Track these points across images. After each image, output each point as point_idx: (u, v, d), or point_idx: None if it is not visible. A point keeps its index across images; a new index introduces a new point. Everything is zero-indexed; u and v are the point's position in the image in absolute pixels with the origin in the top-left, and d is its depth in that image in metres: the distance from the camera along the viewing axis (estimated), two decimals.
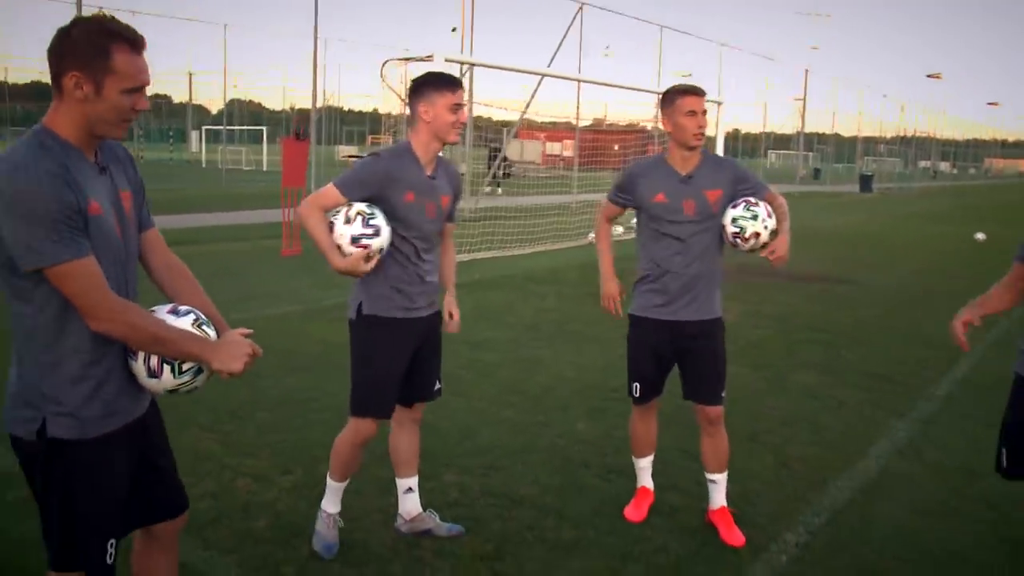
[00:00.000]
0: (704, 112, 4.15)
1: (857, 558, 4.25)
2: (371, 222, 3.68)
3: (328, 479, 4.15)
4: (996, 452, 3.64)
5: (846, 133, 75.73)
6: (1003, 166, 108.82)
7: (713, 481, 4.52)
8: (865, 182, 50.80)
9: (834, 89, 53.27)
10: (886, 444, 5.96)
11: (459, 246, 14.21)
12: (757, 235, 4.11)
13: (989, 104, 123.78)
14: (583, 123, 33.07)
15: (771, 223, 4.14)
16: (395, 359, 3.97)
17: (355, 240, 3.65)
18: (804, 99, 47.84)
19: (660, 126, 23.72)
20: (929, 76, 67.17)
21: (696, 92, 4.17)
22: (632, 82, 20.17)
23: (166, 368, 2.53)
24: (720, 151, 19.89)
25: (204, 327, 2.58)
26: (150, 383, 2.57)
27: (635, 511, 4.59)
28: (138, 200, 2.68)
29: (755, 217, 4.11)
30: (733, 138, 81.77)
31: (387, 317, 3.92)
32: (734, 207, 4.18)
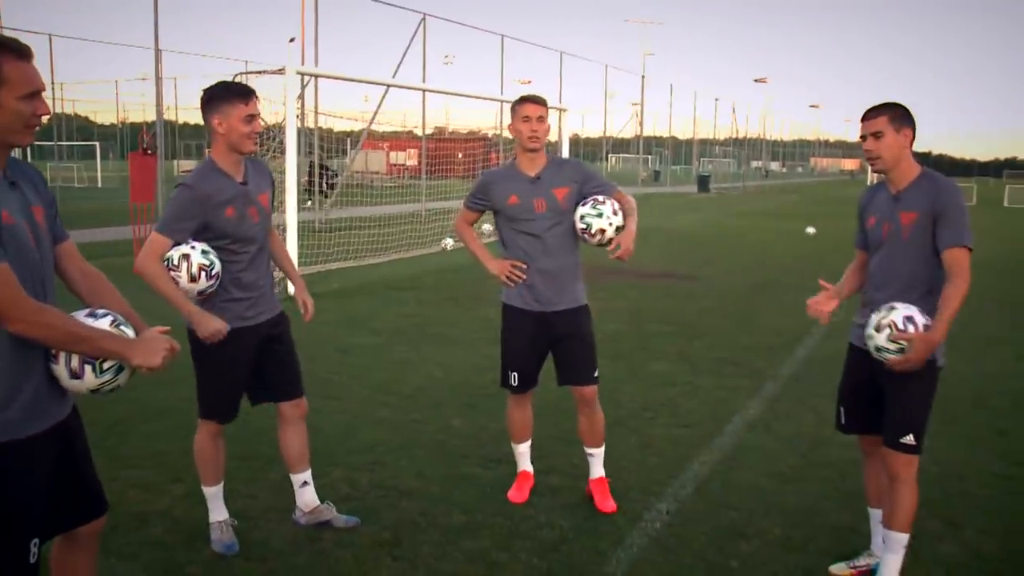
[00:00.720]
0: (540, 118, 4.49)
1: (723, 519, 4.71)
2: (213, 272, 3.92)
3: (203, 488, 4.31)
4: (835, 412, 4.16)
5: (682, 136, 78.69)
6: (827, 164, 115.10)
7: (591, 455, 4.91)
8: (703, 183, 52.99)
9: (669, 93, 55.32)
10: (739, 421, 6.50)
11: (315, 257, 14.25)
12: (603, 231, 4.46)
13: (812, 106, 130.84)
14: (427, 132, 33.35)
15: (617, 220, 4.47)
16: (238, 368, 4.14)
17: (201, 293, 3.91)
18: (641, 104, 49.60)
19: (503, 133, 24.24)
20: (757, 80, 70.64)
21: (531, 100, 4.53)
22: (475, 90, 20.58)
23: (87, 368, 2.64)
24: (565, 155, 20.54)
25: (122, 327, 2.72)
26: (72, 384, 2.67)
27: (518, 493, 4.90)
28: (50, 214, 2.80)
29: (600, 215, 4.45)
30: (575, 143, 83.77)
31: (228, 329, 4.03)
32: (583, 204, 4.52)
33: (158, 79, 15.56)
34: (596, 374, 4.77)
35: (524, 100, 4.55)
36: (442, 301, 11.45)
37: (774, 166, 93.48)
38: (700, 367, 8.17)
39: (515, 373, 4.76)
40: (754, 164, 78.72)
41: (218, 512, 4.31)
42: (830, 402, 7.03)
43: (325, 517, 4.46)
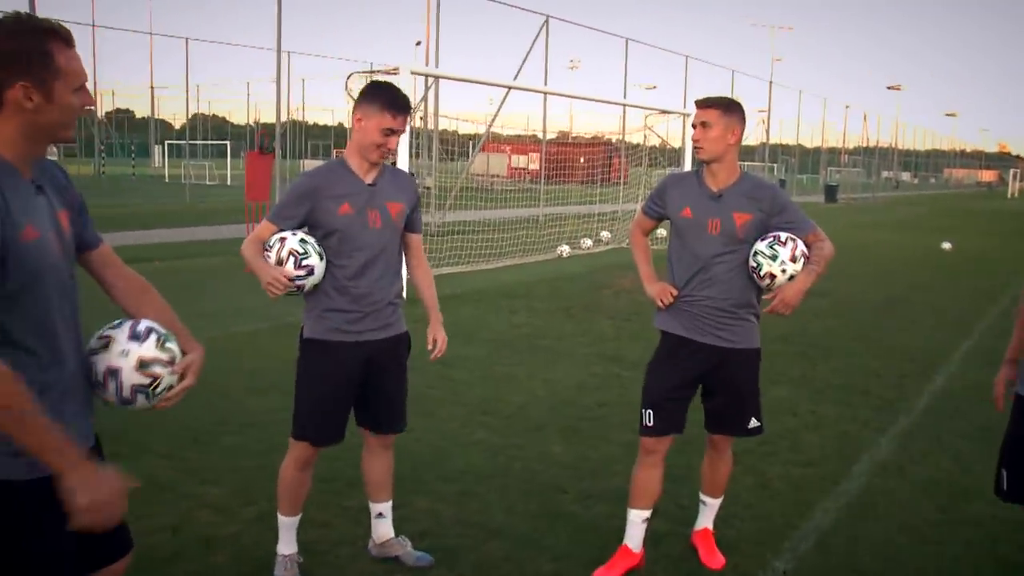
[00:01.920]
0: (703, 124, 3.90)
1: None
2: (304, 262, 3.61)
3: (279, 516, 3.94)
4: (995, 473, 3.49)
5: (810, 144, 76.39)
6: (962, 176, 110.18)
7: (705, 503, 4.36)
8: (830, 192, 51.13)
9: (798, 100, 53.57)
10: (868, 461, 5.82)
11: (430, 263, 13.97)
12: (772, 276, 3.86)
13: (947, 115, 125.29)
14: (548, 136, 32.99)
15: (792, 268, 3.84)
16: (334, 385, 3.78)
17: (291, 281, 3.62)
18: (768, 110, 48.11)
19: (626, 138, 23.55)
20: (890, 88, 67.80)
21: (697, 103, 3.97)
22: (597, 94, 20.07)
23: (140, 396, 2.35)
24: (687, 162, 19.83)
25: (168, 344, 2.39)
26: (124, 407, 2.39)
27: (608, 573, 4.13)
28: (77, 219, 2.46)
29: (775, 257, 3.84)
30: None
31: (324, 340, 3.76)
32: (762, 240, 3.92)
33: (279, 79, 15.55)
34: (752, 425, 4.13)
35: (697, 104, 3.99)
36: (554, 311, 11.01)
37: (905, 176, 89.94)
38: (824, 394, 7.48)
39: (650, 411, 4.02)
40: (885, 175, 75.81)
41: (287, 544, 3.94)
42: (972, 445, 6.47)
43: (395, 552, 4.05)
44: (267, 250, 3.62)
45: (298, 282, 3.60)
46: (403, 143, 11.00)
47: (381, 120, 3.61)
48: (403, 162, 11.02)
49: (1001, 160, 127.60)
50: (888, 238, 24.94)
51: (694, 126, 3.93)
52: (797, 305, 3.80)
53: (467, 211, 21.47)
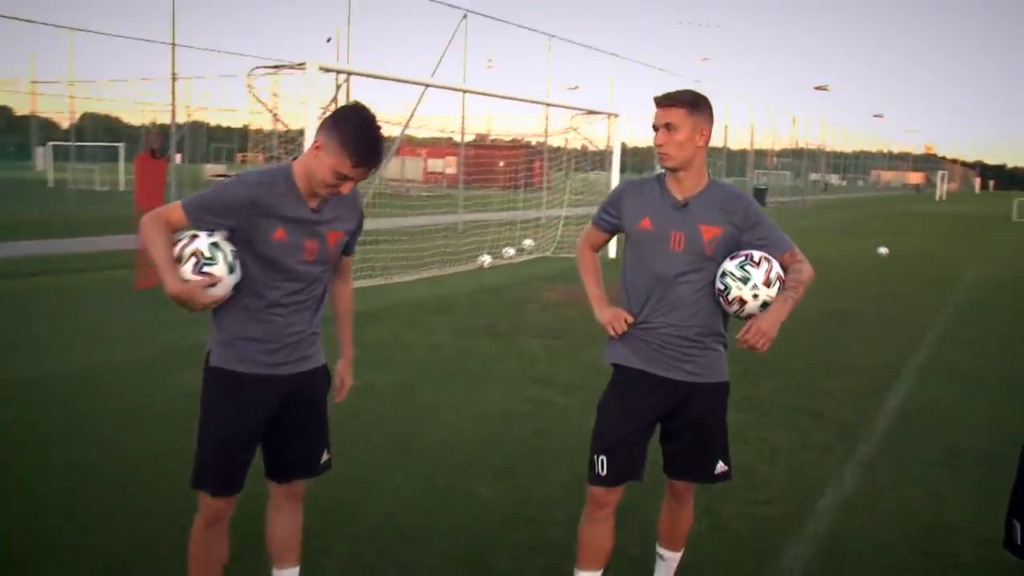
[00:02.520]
0: (668, 126, 3.53)
1: None
2: (207, 269, 3.14)
3: None
4: (1005, 525, 3.14)
5: (736, 146, 77.37)
6: (890, 178, 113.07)
7: (663, 557, 4.00)
8: (759, 196, 51.63)
9: (724, 101, 54.12)
10: (832, 496, 5.52)
11: None
12: (741, 301, 3.52)
13: (875, 116, 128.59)
14: (466, 139, 32.67)
15: (765, 293, 3.51)
16: (244, 424, 3.36)
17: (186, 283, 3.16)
18: None
19: (549, 141, 23.43)
20: (817, 88, 69.26)
21: (657, 101, 3.60)
22: (518, 94, 19.75)
23: None
24: (616, 166, 19.65)
25: None
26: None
27: None
28: None
29: (745, 280, 3.51)
30: (623, 152, 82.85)
31: (238, 372, 3.33)
32: (732, 258, 3.57)
33: (173, 76, 14.85)
34: (718, 470, 3.77)
35: (656, 101, 3.60)
36: (477, 329, 10.62)
37: (834, 179, 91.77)
38: (774, 418, 7.21)
39: (603, 457, 3.64)
40: (813, 177, 77.19)
41: None
42: (941, 471, 6.17)
43: None
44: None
45: (196, 282, 3.13)
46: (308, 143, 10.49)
47: (339, 163, 3.13)
48: None
49: (928, 162, 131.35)
50: (823, 244, 25.14)
51: (655, 128, 3.55)
52: (774, 337, 3.44)
53: (381, 219, 20.96)
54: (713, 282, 3.59)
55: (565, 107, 21.27)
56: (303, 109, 10.99)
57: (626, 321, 3.66)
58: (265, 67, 11.06)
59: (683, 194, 3.60)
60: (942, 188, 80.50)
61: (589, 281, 3.89)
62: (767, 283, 3.50)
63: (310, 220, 3.29)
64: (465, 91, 21.87)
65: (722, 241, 3.57)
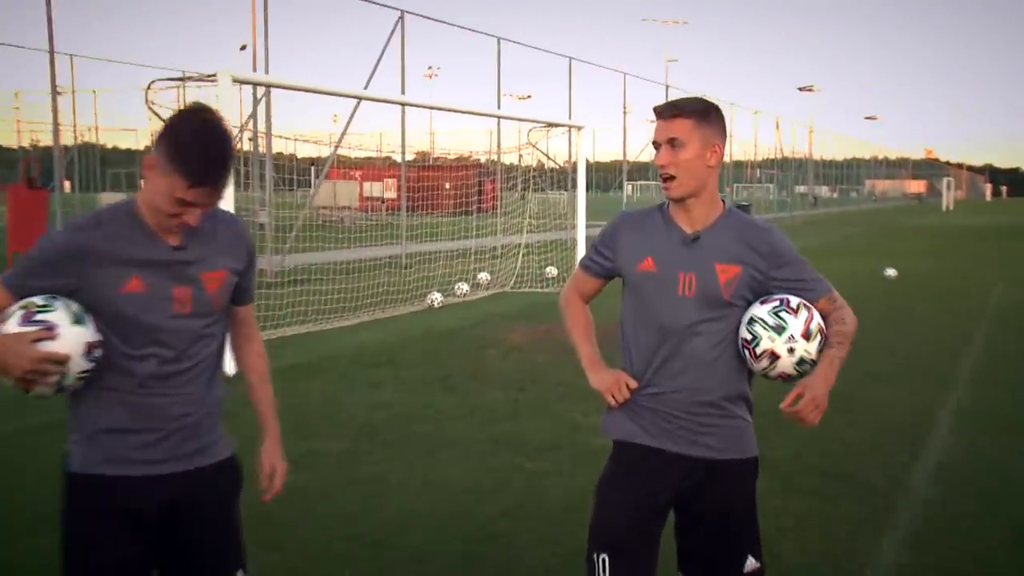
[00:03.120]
0: (671, 141, 3.32)
1: None
2: (38, 317, 2.78)
3: None
4: None
5: None
6: (888, 187, 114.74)
7: None
8: None
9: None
10: None
11: (262, 320, 13.10)
12: (774, 356, 3.30)
13: (868, 119, 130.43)
14: (407, 158, 32.47)
15: (804, 347, 3.31)
16: (119, 550, 2.97)
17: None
18: None
19: (495, 158, 23.20)
20: (802, 89, 70.11)
21: (659, 111, 3.39)
22: (465, 104, 19.57)
23: None
24: (581, 184, 19.49)
25: None
26: None
27: None
28: None
29: (781, 329, 3.31)
30: (595, 169, 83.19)
31: (103, 476, 2.96)
32: (762, 303, 3.38)
33: (53, 88, 14.39)
34: (749, 568, 3.49)
35: (655, 111, 3.40)
36: (429, 382, 10.30)
37: (823, 191, 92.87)
38: (793, 481, 6.91)
39: (604, 556, 3.39)
40: (799, 189, 78.06)
41: None
42: (1004, 550, 5.86)
43: None
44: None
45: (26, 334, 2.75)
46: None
47: (172, 184, 2.79)
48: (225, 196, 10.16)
49: (930, 168, 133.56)
50: (820, 266, 24.71)
51: (656, 145, 3.32)
52: (826, 409, 3.23)
53: (312, 253, 20.69)
54: (736, 332, 3.38)
55: (519, 119, 21.16)
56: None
57: (628, 386, 3.44)
58: (169, 79, 10.71)
59: (693, 226, 3.39)
60: (948, 197, 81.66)
61: (579, 339, 3.67)
62: (806, 335, 3.32)
63: (173, 261, 2.94)
64: (404, 104, 21.68)
65: (743, 283, 3.37)
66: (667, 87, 49.54)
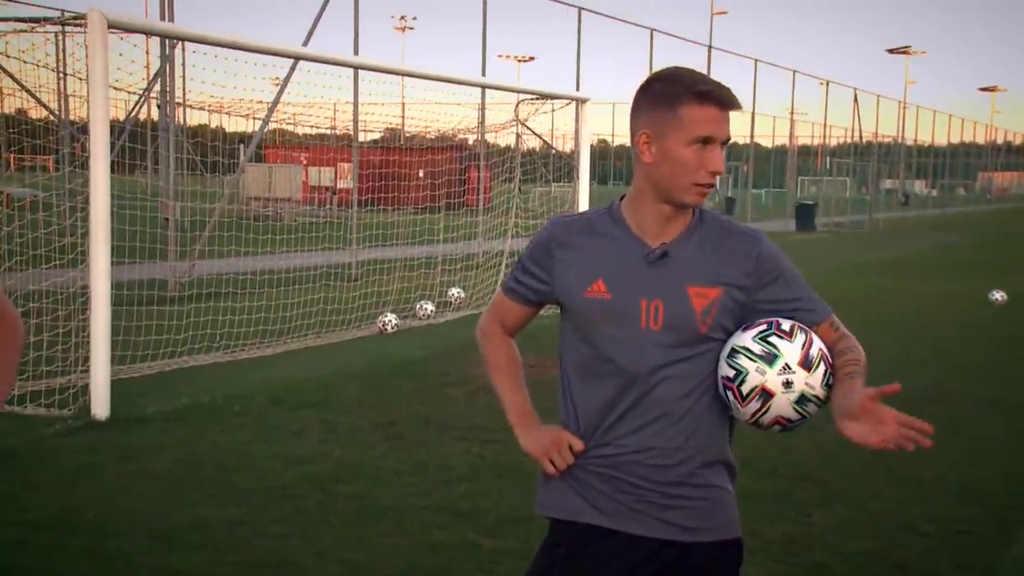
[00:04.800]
0: (727, 140, 3.42)
1: None
2: None
3: None
4: None
5: (769, 142, 78.38)
6: (1009, 182, 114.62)
7: None
8: (804, 215, 52.33)
9: (752, 73, 54.69)
10: None
11: (155, 349, 13.45)
12: (764, 395, 3.37)
13: (984, 90, 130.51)
14: (369, 136, 32.52)
15: (803, 380, 3.39)
16: None
17: None
18: None
19: (485, 138, 23.41)
20: (893, 51, 70.37)
21: (721, 99, 3.41)
22: (444, 71, 19.63)
23: None
24: (584, 174, 19.57)
25: None
26: None
27: None
28: None
29: (772, 359, 3.38)
30: (600, 153, 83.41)
31: None
32: (746, 330, 3.45)
33: None
34: None
35: (705, 94, 3.40)
36: (368, 431, 10.45)
37: (918, 187, 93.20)
38: (833, 572, 6.96)
39: None
40: (886, 185, 78.42)
41: None
42: None
43: None
44: None
45: None
46: (98, 141, 10.22)
47: None
48: (100, 180, 10.20)
49: None
50: (903, 288, 25.32)
51: (707, 141, 3.37)
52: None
53: (230, 259, 20.72)
54: (713, 374, 3.46)
55: (505, 88, 21.20)
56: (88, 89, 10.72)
57: (572, 449, 3.52)
58: (15, 20, 10.76)
59: (659, 236, 3.47)
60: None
61: (504, 385, 3.83)
62: (806, 364, 3.39)
63: None
64: (357, 67, 21.68)
65: (724, 310, 3.47)
66: (709, 48, 49.70)
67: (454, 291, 19.98)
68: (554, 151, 23.77)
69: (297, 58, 18.86)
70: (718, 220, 3.56)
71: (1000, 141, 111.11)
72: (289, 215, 36.13)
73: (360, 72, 22.62)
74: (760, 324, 3.44)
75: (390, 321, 16.86)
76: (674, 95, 3.35)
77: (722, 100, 3.38)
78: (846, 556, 7.24)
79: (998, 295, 21.96)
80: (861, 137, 68.47)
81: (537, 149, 25.20)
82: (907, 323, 18.87)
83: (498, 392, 3.81)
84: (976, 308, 21.19)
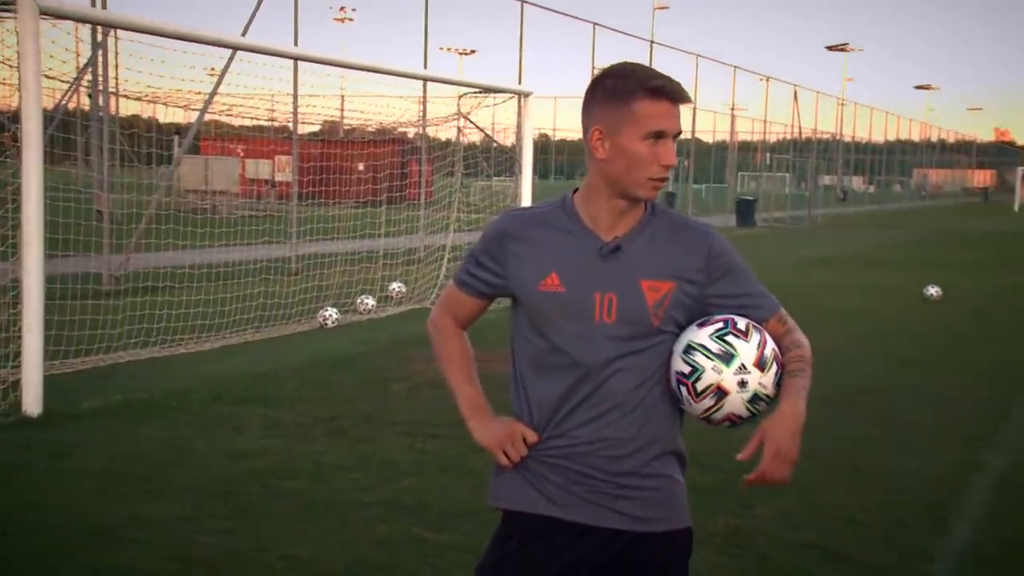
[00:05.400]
0: (679, 134, 3.48)
1: None
2: None
3: None
4: None
5: (710, 137, 78.49)
6: (942, 179, 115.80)
7: None
8: (745, 211, 52.66)
9: (694, 69, 54.81)
10: None
11: (89, 343, 13.31)
12: (719, 394, 3.42)
13: (919, 88, 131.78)
14: (308, 128, 32.29)
15: (757, 380, 3.45)
16: None
17: None
18: None
19: (427, 132, 23.44)
20: (831, 48, 70.90)
21: (673, 93, 3.45)
22: (385, 63, 19.57)
23: None
24: (526, 168, 19.57)
25: None
26: None
27: None
28: None
29: (729, 358, 3.43)
30: (542, 147, 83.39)
31: None
32: (702, 326, 3.49)
33: None
34: None
35: (658, 89, 3.44)
36: (310, 426, 10.42)
37: (856, 183, 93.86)
38: (772, 563, 7.07)
39: None
40: (824, 180, 78.90)
41: None
42: None
43: None
44: None
45: None
46: (32, 130, 10.12)
47: None
48: (33, 171, 10.09)
49: (1000, 154, 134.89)
50: (842, 283, 25.50)
51: (660, 136, 3.42)
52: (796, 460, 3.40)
53: (168, 252, 20.57)
54: (665, 366, 3.50)
55: (445, 82, 21.19)
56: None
57: (525, 440, 3.55)
58: None
59: (612, 230, 3.51)
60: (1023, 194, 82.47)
61: (456, 377, 3.82)
62: (760, 364, 3.45)
63: None
64: (298, 58, 21.56)
65: (676, 303, 3.52)
66: (651, 44, 49.85)
67: (395, 286, 20.01)
68: (496, 145, 23.73)
69: (236, 48, 18.68)
70: (669, 214, 3.61)
71: (935, 139, 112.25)
72: (226, 208, 35.86)
73: (299, 64, 22.50)
74: (717, 321, 3.48)
75: (331, 316, 16.84)
76: (627, 91, 3.39)
77: (674, 95, 3.42)
78: (788, 547, 7.31)
79: (933, 290, 22.17)
80: (801, 133, 68.99)
81: (478, 143, 25.15)
82: (845, 318, 19.00)
83: (450, 385, 3.81)
84: (912, 303, 21.40)
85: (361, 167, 30.79)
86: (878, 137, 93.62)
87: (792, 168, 73.25)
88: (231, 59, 21.26)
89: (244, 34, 22.09)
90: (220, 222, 26.11)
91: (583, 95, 3.56)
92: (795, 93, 65.59)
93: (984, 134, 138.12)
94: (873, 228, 53.34)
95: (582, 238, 3.51)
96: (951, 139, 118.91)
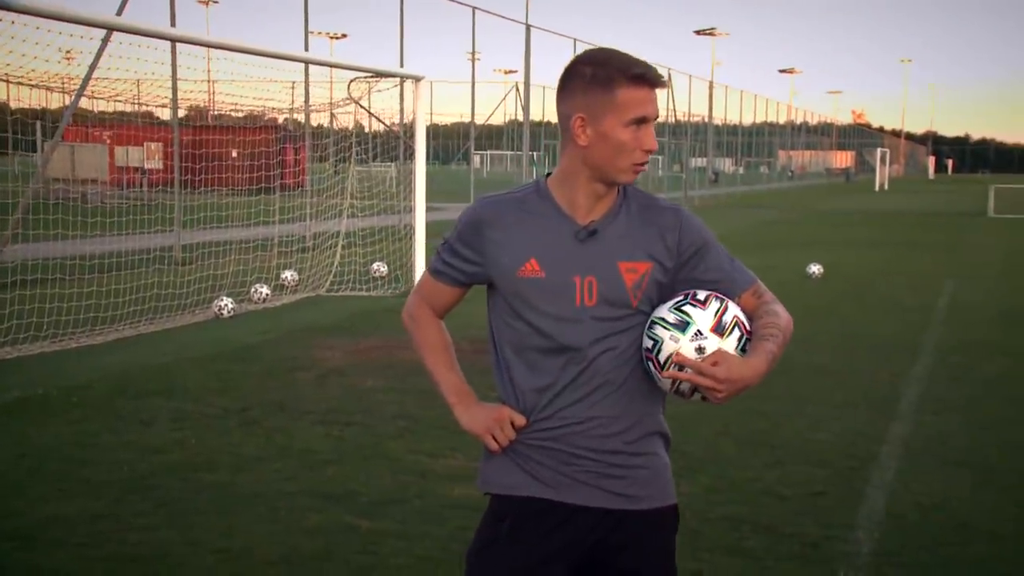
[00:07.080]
0: (657, 118, 3.53)
1: None
2: None
3: None
4: None
5: None
6: (806, 160, 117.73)
7: None
8: None
9: (555, 55, 55.07)
10: None
11: None
12: (679, 359, 3.42)
13: (783, 72, 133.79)
14: (179, 113, 31.95)
15: (717, 344, 3.43)
16: None
17: None
18: (526, 71, 49.10)
19: (301, 117, 23.19)
20: (699, 32, 71.56)
21: (652, 79, 3.49)
22: (252, 43, 19.25)
23: None
24: (420, 155, 19.52)
25: None
26: None
27: None
28: None
29: (684, 326, 3.45)
30: (432, 134, 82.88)
31: None
32: (665, 301, 3.55)
33: None
34: None
35: (638, 76, 3.47)
36: (222, 417, 10.30)
37: (725, 164, 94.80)
38: (706, 537, 7.16)
39: None
40: (696, 163, 79.62)
41: None
42: None
43: None
44: None
45: None
46: None
47: None
48: None
49: (859, 136, 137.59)
50: None
51: (641, 121, 3.47)
52: (735, 394, 3.39)
53: (46, 243, 20.11)
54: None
55: (331, 65, 21.01)
56: None
57: (514, 424, 3.57)
58: None
59: (589, 214, 3.56)
60: (883, 173, 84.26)
61: (438, 366, 3.83)
62: (718, 330, 3.46)
63: None
64: (173, 38, 21.21)
65: (653, 283, 3.57)
66: (528, 27, 49.85)
67: (288, 274, 19.96)
68: (389, 130, 23.61)
69: (111, 28, 18.32)
70: (640, 195, 3.65)
71: (799, 121, 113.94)
72: (96, 197, 35.22)
73: (164, 46, 22.10)
74: (677, 295, 3.53)
75: (226, 305, 16.65)
76: (607, 78, 3.42)
77: (653, 80, 3.47)
78: (715, 521, 7.42)
79: (815, 268, 22.59)
80: (675, 116, 69.51)
81: (350, 128, 24.96)
82: None
83: (432, 374, 3.81)
84: (796, 281, 21.67)
85: (234, 154, 30.48)
86: (746, 120, 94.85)
87: (665, 150, 73.78)
88: (106, 41, 20.89)
89: (120, 12, 21.69)
90: (93, 211, 25.69)
91: (556, 83, 3.57)
92: (668, 75, 66.07)
93: (843, 116, 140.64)
94: (747, 209, 54.09)
95: (559, 222, 3.54)
96: (813, 121, 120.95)
